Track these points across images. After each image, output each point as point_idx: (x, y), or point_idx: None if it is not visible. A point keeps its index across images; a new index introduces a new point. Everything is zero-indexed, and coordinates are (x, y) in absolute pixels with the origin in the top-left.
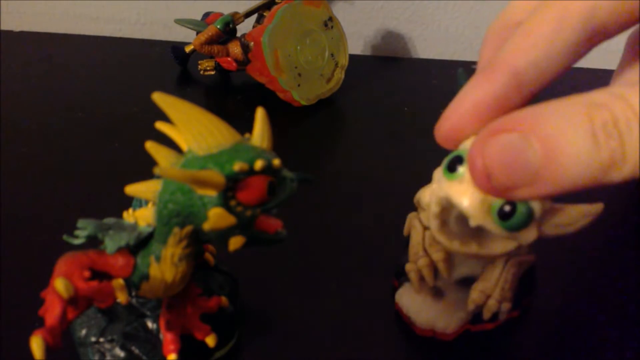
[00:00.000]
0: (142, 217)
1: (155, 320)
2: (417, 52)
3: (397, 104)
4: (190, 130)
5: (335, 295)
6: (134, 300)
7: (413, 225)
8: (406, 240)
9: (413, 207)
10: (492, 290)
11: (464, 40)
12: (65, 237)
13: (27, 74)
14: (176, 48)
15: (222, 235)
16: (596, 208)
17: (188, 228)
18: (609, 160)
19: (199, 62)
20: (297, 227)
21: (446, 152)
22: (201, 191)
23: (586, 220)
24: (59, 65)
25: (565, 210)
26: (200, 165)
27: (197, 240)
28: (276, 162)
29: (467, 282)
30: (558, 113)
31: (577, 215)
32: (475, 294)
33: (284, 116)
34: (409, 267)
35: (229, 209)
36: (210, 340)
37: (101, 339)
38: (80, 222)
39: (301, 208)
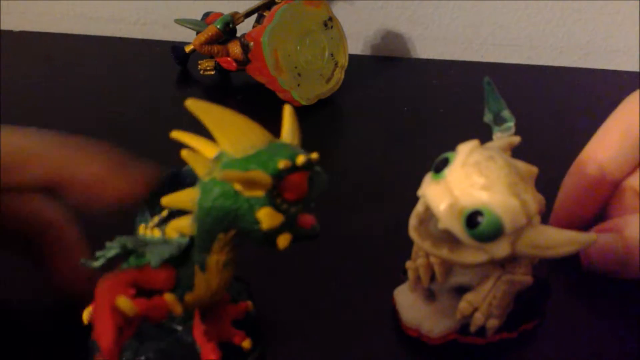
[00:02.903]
0: (177, 228)
1: (189, 333)
2: (417, 52)
3: (397, 104)
4: (226, 133)
5: (335, 296)
6: None
7: None
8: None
9: (412, 208)
10: (479, 303)
11: (464, 40)
12: (82, 260)
13: (27, 74)
14: (176, 48)
15: (271, 234)
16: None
17: (232, 232)
18: None
19: (199, 62)
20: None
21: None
22: (248, 193)
23: (572, 248)
24: (59, 65)
25: (547, 232)
26: (242, 167)
27: (238, 244)
28: (314, 156)
29: (462, 291)
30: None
31: (560, 240)
32: (463, 304)
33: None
34: (408, 264)
35: (276, 208)
36: (247, 344)
37: (136, 359)
38: (115, 241)
39: None
